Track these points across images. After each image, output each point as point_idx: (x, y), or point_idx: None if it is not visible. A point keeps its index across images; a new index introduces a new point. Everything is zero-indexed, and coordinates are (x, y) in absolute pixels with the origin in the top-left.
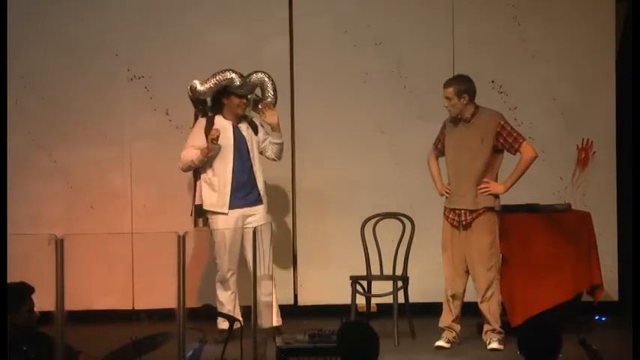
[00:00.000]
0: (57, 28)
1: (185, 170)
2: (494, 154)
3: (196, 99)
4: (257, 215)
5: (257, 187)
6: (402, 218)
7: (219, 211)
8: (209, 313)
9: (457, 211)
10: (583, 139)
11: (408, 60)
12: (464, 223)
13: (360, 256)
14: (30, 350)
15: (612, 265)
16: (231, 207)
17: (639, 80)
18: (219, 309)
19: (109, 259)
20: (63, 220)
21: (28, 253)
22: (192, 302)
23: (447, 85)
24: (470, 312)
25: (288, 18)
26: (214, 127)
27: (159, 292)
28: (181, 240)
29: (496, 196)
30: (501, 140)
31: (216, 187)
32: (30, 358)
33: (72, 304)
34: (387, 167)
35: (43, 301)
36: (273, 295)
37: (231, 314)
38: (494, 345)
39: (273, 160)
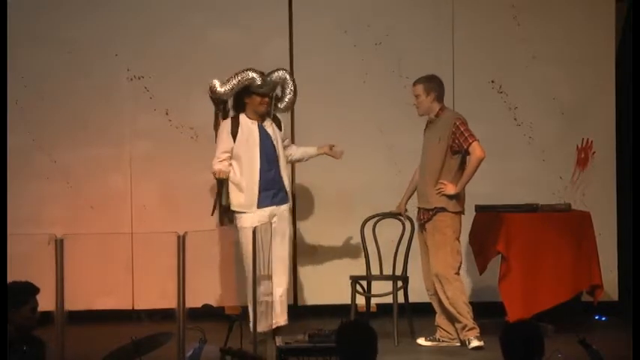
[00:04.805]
0: (57, 28)
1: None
2: (452, 156)
3: (217, 99)
4: (281, 215)
5: (284, 185)
6: (402, 218)
7: (248, 211)
8: (209, 313)
9: (419, 210)
10: (583, 139)
11: (408, 60)
12: (421, 221)
13: (360, 256)
14: (31, 351)
15: (612, 265)
16: (260, 206)
17: (639, 80)
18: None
19: (109, 259)
20: (63, 220)
21: (28, 253)
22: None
23: (416, 82)
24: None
25: (288, 18)
26: (222, 170)
27: (159, 292)
28: (181, 240)
29: (451, 198)
30: (455, 140)
31: (243, 188)
32: (30, 358)
33: (72, 304)
34: (386, 167)
35: (43, 301)
36: (284, 293)
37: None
38: (475, 343)
39: (289, 162)
